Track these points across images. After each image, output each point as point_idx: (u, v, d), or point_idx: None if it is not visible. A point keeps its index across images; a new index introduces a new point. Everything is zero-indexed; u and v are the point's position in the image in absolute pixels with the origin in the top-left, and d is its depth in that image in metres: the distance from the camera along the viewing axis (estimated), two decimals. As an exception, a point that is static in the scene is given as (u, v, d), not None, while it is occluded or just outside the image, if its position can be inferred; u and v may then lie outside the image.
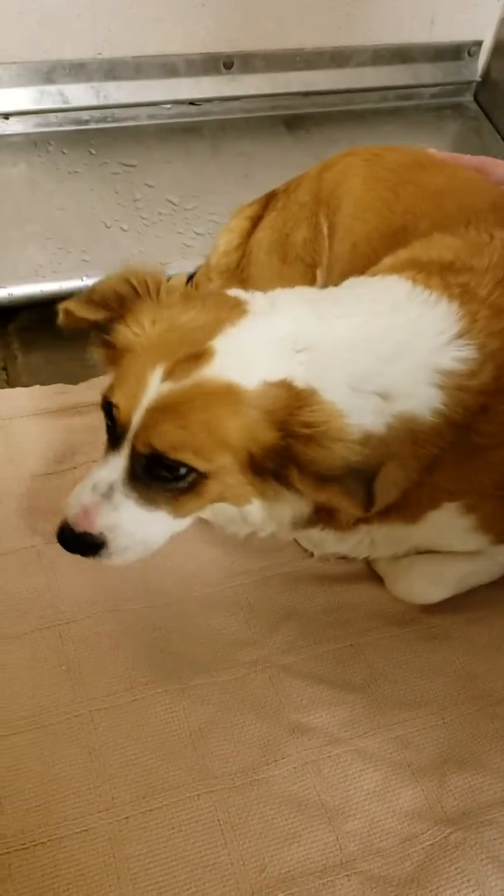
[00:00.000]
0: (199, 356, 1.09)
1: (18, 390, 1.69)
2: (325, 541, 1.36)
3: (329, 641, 1.40)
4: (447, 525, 1.28)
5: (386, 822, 1.21)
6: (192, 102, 2.24)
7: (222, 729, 1.27)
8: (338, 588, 1.46)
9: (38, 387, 1.68)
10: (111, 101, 2.16)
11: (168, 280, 1.22)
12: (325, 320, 1.15)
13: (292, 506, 1.19)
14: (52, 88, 2.09)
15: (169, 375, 1.09)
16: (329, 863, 1.17)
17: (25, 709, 1.26)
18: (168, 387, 1.08)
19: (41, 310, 1.86)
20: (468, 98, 2.49)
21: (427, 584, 1.39)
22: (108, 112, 2.17)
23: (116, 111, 2.18)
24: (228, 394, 1.07)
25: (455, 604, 1.42)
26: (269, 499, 1.16)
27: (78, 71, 2.09)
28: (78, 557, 1.20)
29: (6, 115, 2.10)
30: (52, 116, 2.13)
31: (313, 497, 1.12)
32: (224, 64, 2.20)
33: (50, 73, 2.08)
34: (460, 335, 1.16)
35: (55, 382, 1.68)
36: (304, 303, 1.19)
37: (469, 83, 2.47)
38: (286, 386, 1.09)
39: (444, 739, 1.30)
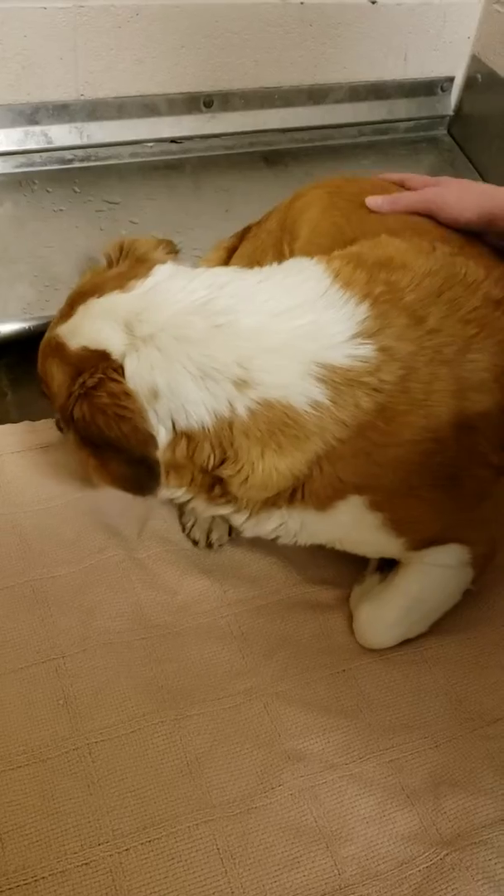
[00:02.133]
0: (66, 315, 1.30)
1: (8, 426, 1.70)
2: (246, 526, 1.37)
3: (321, 668, 1.42)
4: (356, 519, 1.29)
5: (383, 845, 1.23)
6: (173, 140, 2.29)
7: (219, 758, 1.29)
8: (328, 614, 1.49)
9: (27, 422, 1.71)
10: (94, 141, 2.20)
11: (137, 246, 1.39)
12: (204, 316, 1.22)
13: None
14: (36, 129, 2.13)
15: (52, 324, 1.34)
16: (328, 888, 1.18)
17: (24, 743, 1.27)
18: (49, 332, 1.34)
19: (31, 346, 1.88)
20: (442, 131, 2.56)
21: (374, 630, 1.43)
22: (91, 151, 2.21)
23: (99, 150, 2.22)
24: (59, 350, 1.28)
25: (442, 625, 1.45)
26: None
27: (61, 112, 2.13)
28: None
29: (-9, 157, 2.14)
30: (36, 156, 2.17)
31: (75, 455, 1.30)
32: (204, 103, 2.25)
33: (33, 114, 2.12)
34: (359, 336, 1.21)
35: (45, 418, 1.70)
36: (207, 289, 1.25)
37: (443, 117, 2.54)
38: (100, 355, 1.23)
39: (437, 762, 1.32)
